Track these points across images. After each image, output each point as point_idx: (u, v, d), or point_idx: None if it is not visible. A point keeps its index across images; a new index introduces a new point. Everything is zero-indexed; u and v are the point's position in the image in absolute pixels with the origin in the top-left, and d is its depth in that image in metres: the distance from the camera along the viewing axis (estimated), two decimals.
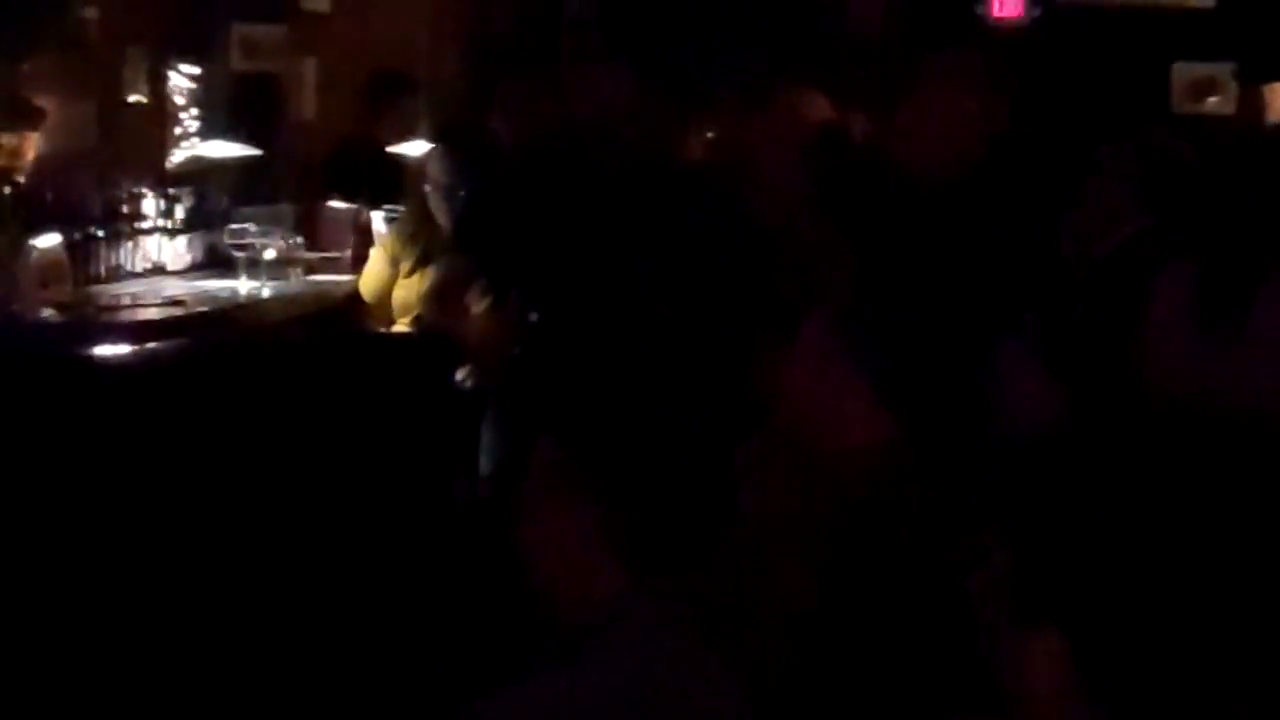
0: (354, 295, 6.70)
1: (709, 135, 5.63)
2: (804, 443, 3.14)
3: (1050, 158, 4.74)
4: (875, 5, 8.33)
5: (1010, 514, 1.99)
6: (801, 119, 4.76)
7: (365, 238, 7.02)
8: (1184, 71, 7.67)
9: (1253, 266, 3.72)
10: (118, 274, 6.66)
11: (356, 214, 7.23)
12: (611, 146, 5.29)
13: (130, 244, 6.79)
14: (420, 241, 6.50)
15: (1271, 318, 3.63)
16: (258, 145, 7.65)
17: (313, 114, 8.27)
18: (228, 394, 5.64)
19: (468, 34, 8.83)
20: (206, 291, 6.59)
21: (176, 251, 7.08)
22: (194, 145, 7.55)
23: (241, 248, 6.86)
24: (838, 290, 4.09)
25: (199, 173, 7.48)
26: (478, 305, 5.68)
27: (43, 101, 6.33)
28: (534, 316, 5.40)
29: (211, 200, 7.45)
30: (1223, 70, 7.65)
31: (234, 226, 7.02)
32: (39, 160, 6.31)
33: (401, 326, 6.54)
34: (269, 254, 6.85)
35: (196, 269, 7.14)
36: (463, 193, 6.11)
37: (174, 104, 7.50)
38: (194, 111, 7.61)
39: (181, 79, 7.52)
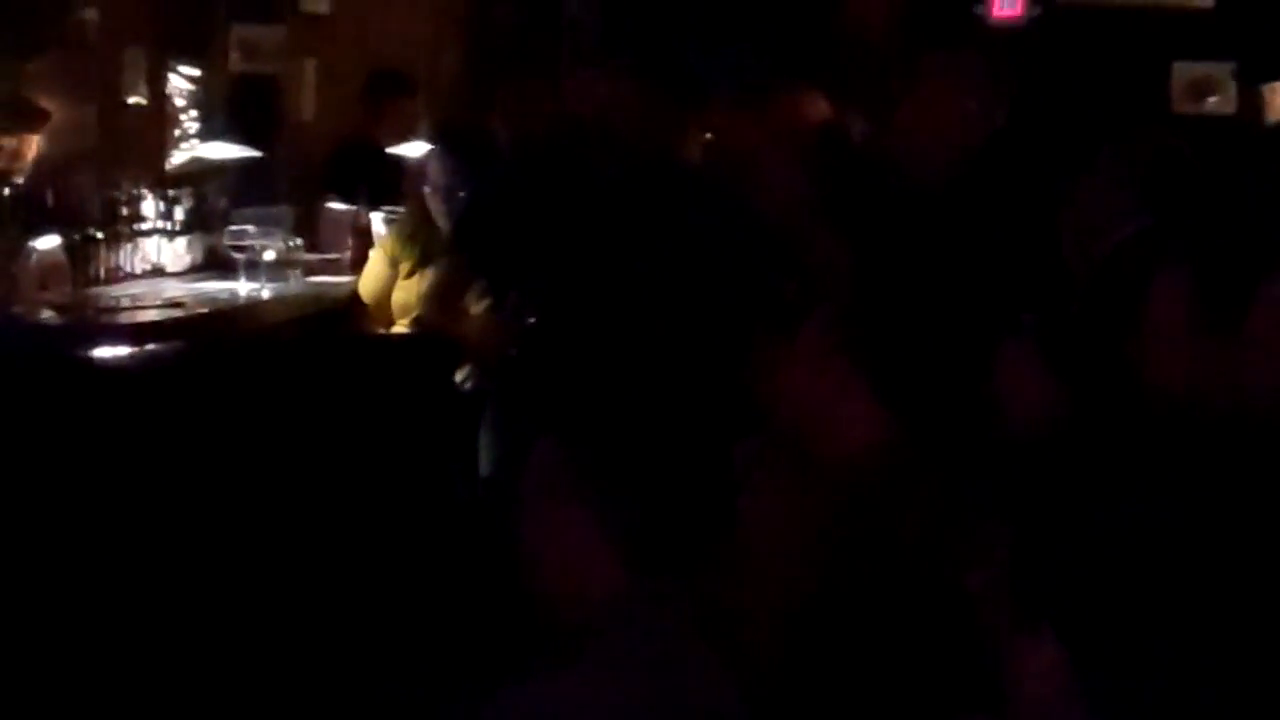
0: (353, 296, 6.70)
1: (709, 135, 5.62)
2: (804, 443, 3.13)
3: (1050, 158, 4.74)
4: (875, 5, 8.32)
5: (1010, 514, 1.99)
6: (801, 119, 4.76)
7: (365, 239, 7.02)
8: (1184, 71, 7.67)
9: (1252, 267, 3.72)
10: (117, 275, 6.66)
11: (356, 215, 7.23)
12: (611, 147, 5.29)
13: (130, 245, 6.80)
14: (420, 243, 6.50)
15: (1270, 318, 3.62)
16: (257, 147, 7.65)
17: (312, 115, 8.27)
18: (227, 395, 5.64)
19: (468, 34, 8.83)
20: (206, 293, 6.59)
21: (176, 253, 7.08)
22: (194, 146, 7.56)
23: (241, 249, 6.86)
24: (838, 290, 4.09)
25: (198, 174, 7.49)
26: (477, 306, 5.68)
27: (43, 103, 6.33)
28: (533, 318, 5.40)
29: (211, 202, 7.45)
30: (1223, 70, 7.65)
31: (233, 228, 7.02)
32: (38, 162, 6.31)
33: (401, 328, 6.54)
34: (268, 255, 6.85)
35: (196, 270, 7.15)
36: (462, 194, 6.11)
37: (174, 105, 7.51)
38: (194, 113, 7.61)
39: (181, 80, 7.52)
